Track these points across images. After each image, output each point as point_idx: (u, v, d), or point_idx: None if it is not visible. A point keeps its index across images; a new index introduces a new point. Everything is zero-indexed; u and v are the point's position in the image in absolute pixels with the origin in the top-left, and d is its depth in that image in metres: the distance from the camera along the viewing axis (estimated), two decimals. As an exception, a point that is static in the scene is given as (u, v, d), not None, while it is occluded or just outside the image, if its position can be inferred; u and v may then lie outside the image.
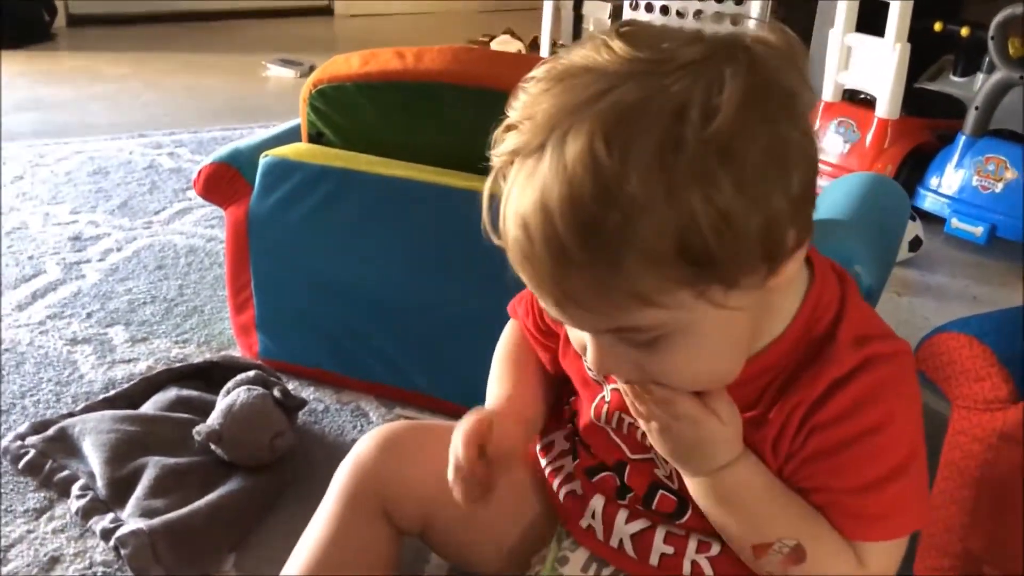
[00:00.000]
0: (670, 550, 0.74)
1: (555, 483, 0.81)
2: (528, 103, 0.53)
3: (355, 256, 1.15)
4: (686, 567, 0.74)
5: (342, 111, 1.19)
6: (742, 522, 0.65)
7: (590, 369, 0.73)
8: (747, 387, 0.64)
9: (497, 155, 0.55)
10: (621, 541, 0.75)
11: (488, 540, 0.82)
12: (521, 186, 0.52)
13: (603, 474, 0.76)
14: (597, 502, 0.77)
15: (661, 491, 0.73)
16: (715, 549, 0.73)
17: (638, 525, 0.75)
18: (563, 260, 0.51)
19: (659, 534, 0.74)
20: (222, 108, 2.68)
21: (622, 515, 0.75)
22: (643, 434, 0.69)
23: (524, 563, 0.82)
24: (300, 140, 1.24)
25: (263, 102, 2.79)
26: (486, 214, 0.56)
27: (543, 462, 0.83)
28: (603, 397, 0.73)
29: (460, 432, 0.70)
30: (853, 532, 0.63)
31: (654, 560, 0.74)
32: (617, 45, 0.52)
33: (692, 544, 0.73)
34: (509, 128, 0.54)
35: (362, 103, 1.17)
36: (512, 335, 0.84)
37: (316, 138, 1.22)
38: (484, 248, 0.79)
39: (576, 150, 0.49)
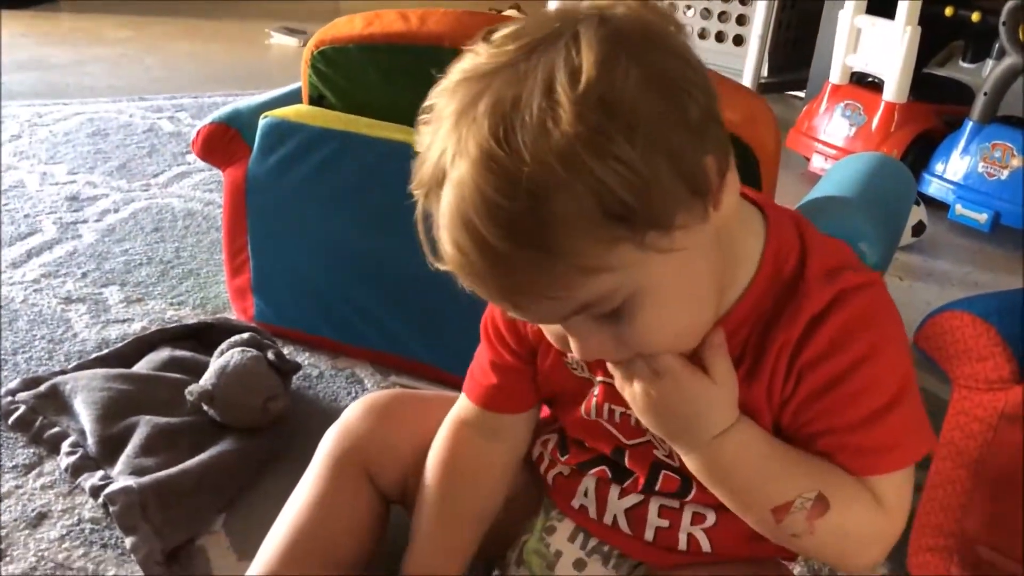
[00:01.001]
0: (665, 523, 0.73)
1: (542, 468, 0.81)
2: (425, 133, 0.55)
3: (353, 221, 1.14)
4: (682, 541, 0.73)
5: (344, 73, 1.17)
6: (755, 490, 0.62)
7: (574, 366, 0.72)
8: (730, 342, 0.63)
9: (415, 190, 0.56)
10: (615, 517, 0.75)
11: None
12: (443, 212, 0.53)
13: (597, 468, 0.76)
14: (589, 481, 0.76)
15: (663, 471, 0.72)
16: (710, 520, 0.72)
17: (631, 500, 0.74)
18: (501, 262, 0.51)
19: (653, 508, 0.74)
20: (223, 74, 2.65)
21: (615, 490, 0.75)
22: (637, 420, 0.69)
23: (508, 533, 0.82)
24: (301, 102, 1.23)
25: (265, 69, 2.76)
26: (424, 243, 0.56)
27: (535, 448, 0.83)
28: (592, 392, 0.72)
29: None
30: (863, 468, 0.62)
31: (649, 535, 0.74)
32: (482, 49, 0.54)
33: (687, 517, 0.73)
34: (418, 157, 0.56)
35: (364, 65, 1.15)
36: (450, 454, 0.79)
37: (317, 100, 1.21)
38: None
39: (472, 160, 0.50)
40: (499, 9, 3.57)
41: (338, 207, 1.14)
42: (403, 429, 0.82)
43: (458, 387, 0.80)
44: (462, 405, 0.80)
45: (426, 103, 0.56)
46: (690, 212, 0.53)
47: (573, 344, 0.58)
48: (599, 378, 0.71)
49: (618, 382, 0.63)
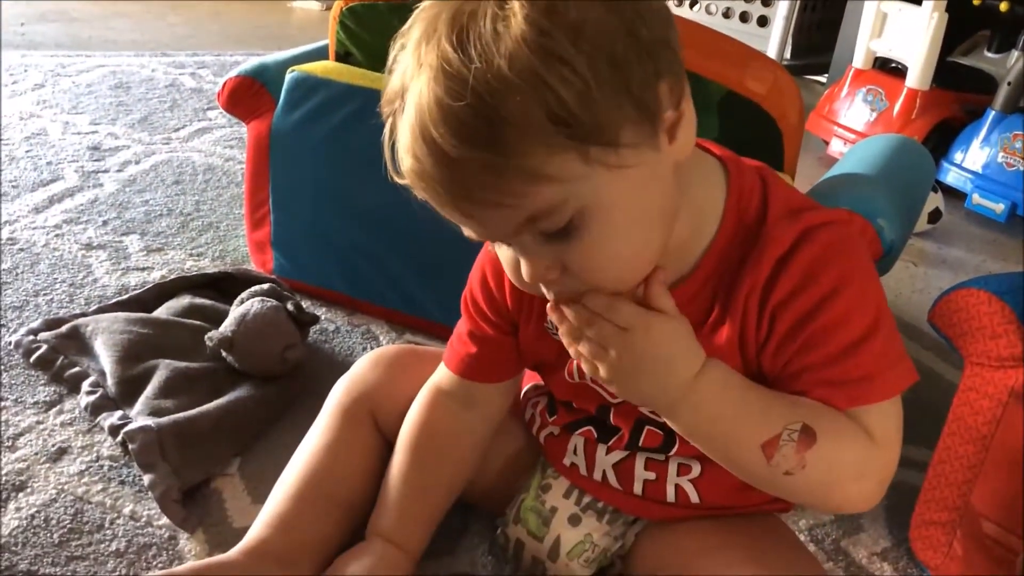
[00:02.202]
0: (652, 476, 0.75)
1: (534, 429, 0.82)
2: (393, 58, 0.58)
3: (375, 178, 1.12)
4: (670, 492, 0.75)
5: (372, 31, 1.18)
6: (742, 428, 0.62)
7: (554, 331, 0.72)
8: (700, 296, 0.65)
9: (382, 109, 0.58)
10: (604, 473, 0.77)
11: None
12: (403, 122, 0.55)
13: (583, 428, 0.78)
14: (578, 439, 0.78)
15: (647, 427, 0.74)
16: (696, 470, 0.74)
17: (618, 455, 0.76)
18: (451, 164, 0.52)
19: (639, 461, 0.76)
20: (246, 34, 2.65)
21: (601, 448, 0.77)
22: None
23: (508, 488, 0.84)
24: (327, 59, 1.23)
25: (287, 32, 2.76)
26: (390, 164, 0.58)
27: (527, 410, 0.84)
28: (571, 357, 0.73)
29: None
30: (846, 401, 0.62)
31: (638, 488, 0.76)
32: None
33: (672, 468, 0.75)
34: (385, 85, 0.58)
35: (394, 23, 1.14)
36: (425, 419, 0.81)
37: (344, 58, 1.21)
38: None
39: (430, 68, 0.52)
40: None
41: (360, 164, 1.14)
42: (409, 380, 0.84)
43: None
44: (441, 373, 0.82)
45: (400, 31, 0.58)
46: (638, 132, 0.54)
47: (522, 265, 0.59)
48: None
49: (587, 367, 0.62)
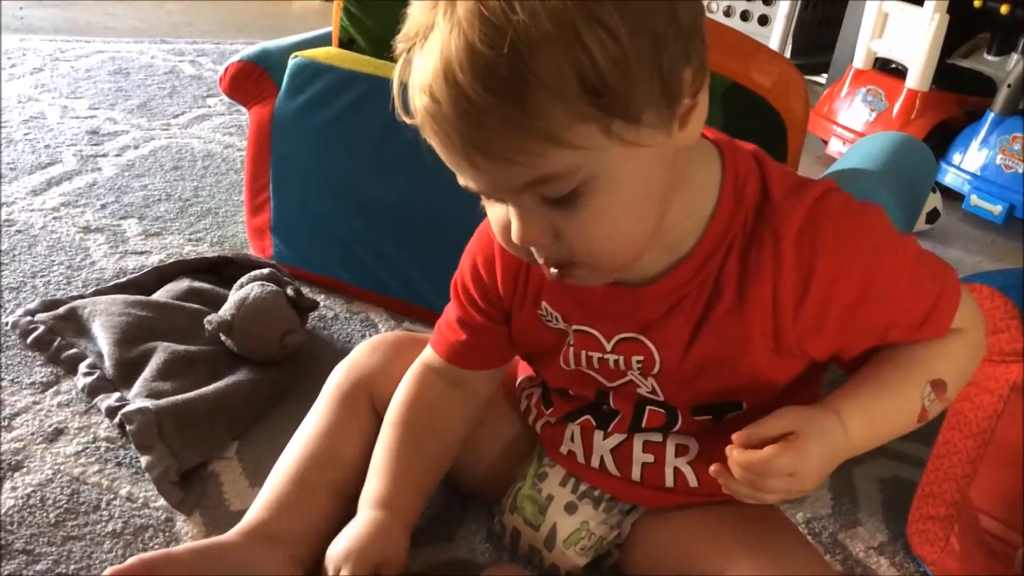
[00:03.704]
0: (650, 458, 0.75)
1: (530, 420, 0.82)
2: None
3: (377, 166, 1.14)
4: (668, 477, 0.75)
5: (376, 17, 1.17)
6: (895, 429, 0.67)
7: (549, 319, 0.73)
8: (699, 275, 0.65)
9: (399, 43, 0.56)
10: (602, 459, 0.77)
11: (469, 448, 0.84)
12: (424, 59, 0.53)
13: (581, 418, 0.77)
14: (575, 427, 0.78)
15: (649, 407, 0.74)
16: (694, 450, 0.74)
17: (616, 439, 0.76)
18: (471, 111, 0.51)
19: (637, 444, 0.75)
20: (246, 23, 2.64)
21: (599, 433, 0.77)
22: (615, 362, 0.71)
23: (505, 477, 0.84)
24: (331, 45, 1.23)
25: (287, 22, 2.75)
26: (398, 100, 0.57)
27: (521, 400, 0.84)
28: (568, 342, 0.73)
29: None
30: (935, 330, 0.67)
31: (636, 473, 0.76)
32: None
33: (670, 449, 0.75)
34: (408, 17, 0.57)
35: (397, 10, 1.14)
36: (414, 394, 0.81)
37: (347, 44, 1.21)
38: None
39: (465, 9, 0.51)
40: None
41: (362, 151, 1.14)
42: (407, 366, 0.84)
43: None
44: (429, 354, 0.82)
45: None
46: (658, 114, 0.55)
47: (513, 223, 0.58)
48: (574, 327, 0.72)
49: (774, 499, 0.64)
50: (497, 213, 0.61)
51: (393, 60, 1.19)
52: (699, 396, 0.72)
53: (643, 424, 0.74)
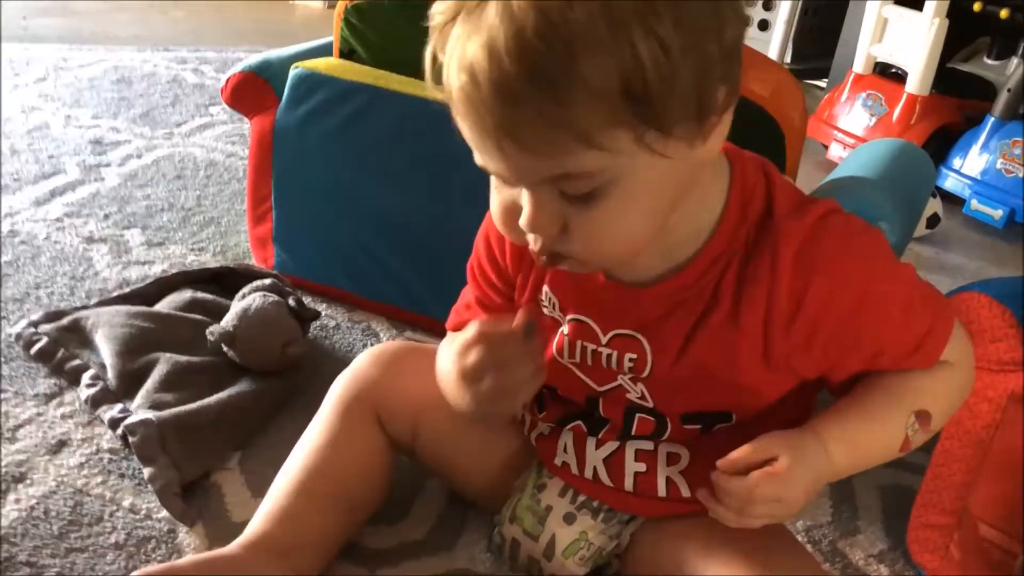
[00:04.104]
0: (642, 467, 0.75)
1: (525, 429, 0.83)
2: None
3: (379, 175, 1.15)
4: (661, 486, 0.75)
5: (376, 28, 1.18)
6: (877, 457, 0.69)
7: (546, 303, 0.73)
8: (699, 284, 0.66)
9: (439, 13, 0.56)
10: (595, 469, 0.77)
11: (471, 459, 0.85)
12: (467, 35, 0.53)
13: (573, 423, 0.78)
14: (567, 436, 0.78)
15: (638, 415, 0.74)
16: (684, 459, 0.74)
17: (608, 448, 0.76)
18: (510, 99, 0.51)
19: (629, 452, 0.76)
20: (248, 31, 2.66)
21: (591, 442, 0.77)
22: (608, 358, 0.71)
23: (506, 487, 0.84)
24: (332, 56, 1.23)
25: (289, 29, 2.77)
26: (429, 72, 0.57)
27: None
28: (562, 331, 0.73)
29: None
30: (926, 360, 0.68)
31: (629, 484, 0.76)
32: None
33: (662, 457, 0.75)
34: None
35: (398, 20, 1.16)
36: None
37: (348, 55, 1.21)
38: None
39: None
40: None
41: (364, 161, 1.15)
42: (411, 378, 0.83)
43: None
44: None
45: None
46: (687, 129, 0.55)
47: (525, 210, 0.58)
48: (570, 316, 0.72)
49: (759, 523, 0.66)
50: (505, 196, 0.61)
51: (394, 70, 1.20)
52: (688, 404, 0.72)
53: (633, 431, 0.75)
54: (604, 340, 0.71)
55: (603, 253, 0.60)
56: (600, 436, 0.76)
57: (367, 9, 1.17)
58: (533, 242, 0.61)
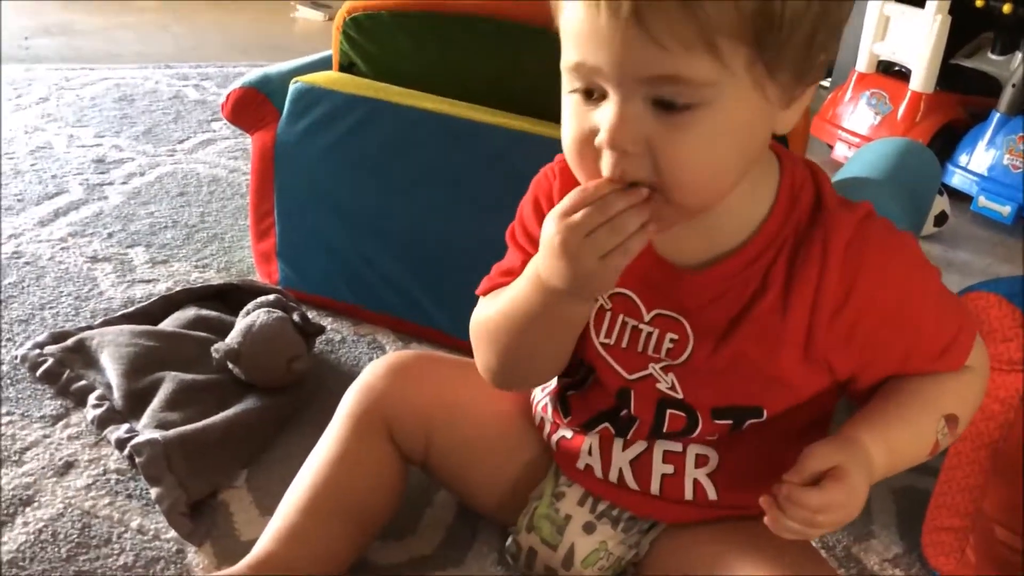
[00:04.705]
0: (670, 469, 0.75)
1: (545, 433, 0.81)
2: None
3: (381, 188, 1.15)
4: (688, 489, 0.74)
5: (375, 41, 1.18)
6: (909, 461, 0.70)
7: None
8: (749, 269, 0.67)
9: None
10: (621, 472, 0.76)
11: (485, 470, 0.84)
12: None
13: (600, 427, 0.77)
14: (593, 438, 0.77)
15: (670, 410, 0.73)
16: (713, 461, 0.74)
17: (636, 449, 0.76)
18: None
19: (657, 454, 0.75)
20: (249, 46, 2.66)
21: (618, 443, 0.76)
22: (648, 336, 0.71)
23: (521, 498, 0.83)
24: (331, 69, 1.23)
25: (290, 42, 2.77)
26: None
27: (536, 413, 0.84)
28: (603, 306, 0.72)
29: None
30: (954, 364, 0.70)
31: (655, 487, 0.75)
32: None
33: (691, 459, 0.74)
34: None
35: (396, 33, 1.16)
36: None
37: (347, 68, 1.21)
38: (512, 186, 0.79)
39: None
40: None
41: (366, 174, 1.14)
42: (424, 389, 0.83)
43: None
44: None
45: None
46: (784, 84, 0.58)
47: (611, 123, 0.57)
48: (614, 289, 0.71)
49: (823, 532, 0.66)
50: (582, 120, 0.60)
51: (393, 83, 1.19)
52: (720, 396, 0.71)
53: (664, 428, 0.73)
54: (647, 317, 0.71)
55: (681, 182, 0.59)
56: (628, 437, 0.75)
57: (366, 22, 1.17)
58: (609, 166, 0.59)
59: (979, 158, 1.91)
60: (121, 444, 0.93)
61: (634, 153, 0.58)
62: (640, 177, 0.59)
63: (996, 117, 1.89)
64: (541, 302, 0.67)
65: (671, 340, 0.70)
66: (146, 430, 0.94)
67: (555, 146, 0.76)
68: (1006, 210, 1.84)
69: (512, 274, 0.75)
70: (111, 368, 1.02)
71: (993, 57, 2.12)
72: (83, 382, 1.02)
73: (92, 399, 1.00)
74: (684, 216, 0.62)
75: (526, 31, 1.09)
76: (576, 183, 0.71)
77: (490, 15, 1.10)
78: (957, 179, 1.93)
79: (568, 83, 0.61)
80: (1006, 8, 1.97)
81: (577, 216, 0.60)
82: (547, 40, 1.06)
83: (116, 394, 0.99)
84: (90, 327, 1.12)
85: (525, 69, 1.11)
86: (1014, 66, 1.98)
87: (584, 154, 0.61)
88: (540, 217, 0.75)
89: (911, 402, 0.68)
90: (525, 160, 0.81)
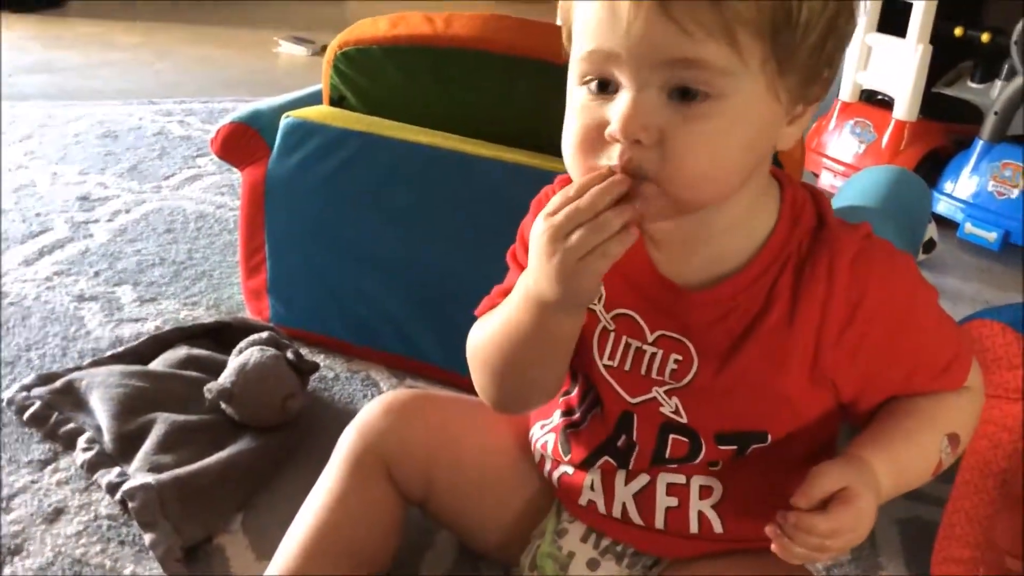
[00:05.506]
0: (674, 502, 0.73)
1: (546, 470, 0.80)
2: None
3: (375, 222, 1.14)
4: (692, 522, 0.73)
5: (366, 74, 1.17)
6: (915, 480, 0.69)
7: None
8: (753, 287, 0.66)
9: None
10: (624, 507, 0.75)
11: (487, 509, 0.82)
12: None
13: (601, 460, 0.75)
14: (595, 473, 0.76)
15: (672, 436, 0.72)
16: (717, 493, 0.72)
17: (639, 483, 0.74)
18: None
19: (660, 486, 0.73)
20: (233, 81, 2.65)
21: (620, 476, 0.74)
22: (652, 358, 0.70)
23: (523, 536, 0.81)
24: (321, 104, 1.23)
25: (274, 77, 2.77)
26: None
27: (535, 451, 0.82)
28: (605, 327, 0.71)
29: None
30: (955, 382, 0.70)
31: (660, 520, 0.74)
32: None
33: (695, 491, 0.73)
34: None
35: (387, 67, 1.15)
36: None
37: (338, 102, 1.21)
38: (505, 219, 0.78)
39: None
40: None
41: (358, 208, 1.13)
42: (423, 429, 0.81)
43: (471, 390, 0.77)
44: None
45: None
46: (794, 84, 0.59)
47: (623, 112, 0.57)
48: (615, 311, 0.70)
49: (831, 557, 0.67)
50: (591, 113, 0.60)
51: (384, 116, 1.19)
52: (725, 419, 0.70)
53: (667, 454, 0.72)
54: (650, 338, 0.70)
55: (684, 174, 0.58)
56: (631, 467, 0.74)
57: (357, 56, 1.16)
58: (618, 155, 0.58)
59: (964, 185, 1.92)
60: (112, 488, 0.91)
61: (645, 143, 0.57)
62: (647, 169, 0.58)
63: (979, 144, 1.91)
64: (529, 315, 0.66)
65: (675, 361, 0.69)
66: (138, 474, 0.91)
67: (550, 178, 0.76)
68: (992, 236, 1.85)
69: (508, 293, 0.73)
70: (101, 410, 1.00)
71: (973, 85, 2.15)
72: (72, 425, 1.00)
73: (82, 442, 0.97)
74: (676, 211, 0.61)
75: (518, 63, 1.09)
76: None
77: (482, 48, 1.10)
78: (943, 206, 1.94)
79: (578, 76, 0.60)
80: (984, 37, 2.00)
81: (559, 215, 0.59)
82: (539, 72, 1.08)
83: (106, 437, 0.97)
84: (78, 368, 1.10)
85: (517, 102, 1.11)
86: (994, 94, 2.00)
87: (588, 149, 0.60)
88: None
89: (913, 421, 0.68)
90: (519, 193, 0.80)
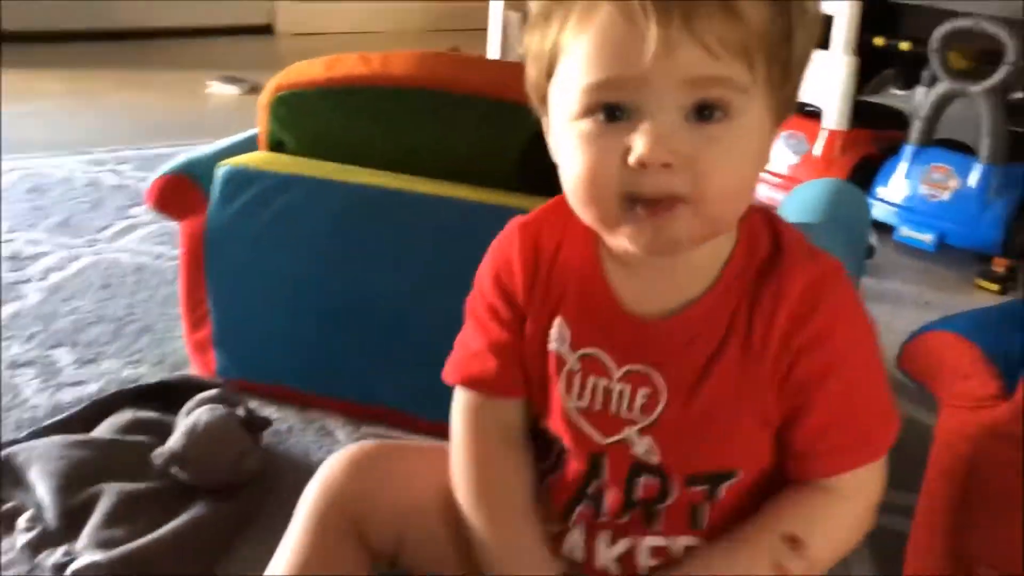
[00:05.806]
0: (656, 563, 0.72)
1: None
2: None
3: (324, 268, 1.11)
4: None
5: (304, 118, 1.15)
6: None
7: (554, 338, 0.71)
8: (717, 312, 0.67)
9: None
10: (607, 571, 0.73)
11: (466, 563, 0.79)
12: None
13: (578, 508, 0.74)
14: (576, 537, 0.74)
15: (642, 477, 0.70)
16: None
17: (621, 547, 0.72)
18: None
19: (643, 552, 0.72)
20: (164, 125, 2.59)
21: (604, 538, 0.73)
22: (620, 394, 0.69)
23: None
24: (257, 149, 1.20)
25: (206, 119, 2.71)
26: None
27: None
28: (571, 369, 0.70)
29: None
30: (868, 456, 0.69)
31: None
32: None
33: (678, 552, 0.71)
34: None
35: (325, 109, 1.14)
36: (479, 462, 0.76)
37: (276, 147, 1.18)
38: (455, 257, 0.77)
39: None
40: (456, 48, 3.58)
41: (307, 254, 1.11)
42: (387, 480, 0.78)
43: (429, 432, 0.76)
44: (464, 399, 0.77)
45: None
46: (777, 106, 0.61)
47: (646, 141, 0.57)
48: (581, 351, 0.70)
49: None
50: (603, 144, 0.59)
51: (325, 159, 1.17)
52: (696, 456, 0.69)
53: (636, 495, 0.71)
54: (617, 375, 0.69)
55: (721, 192, 0.59)
56: (603, 511, 0.72)
57: (293, 100, 1.15)
58: (650, 183, 0.58)
59: (896, 189, 1.97)
60: (59, 570, 0.86)
61: (676, 166, 0.58)
62: (682, 192, 0.58)
63: (909, 149, 1.96)
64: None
65: (643, 396, 0.68)
66: (86, 552, 0.87)
67: (500, 213, 0.75)
68: (928, 238, 1.89)
69: (479, 357, 0.73)
70: (42, 485, 0.95)
71: (896, 92, 2.21)
72: (10, 504, 0.95)
73: (22, 522, 0.93)
74: (712, 231, 0.63)
75: (456, 99, 1.09)
76: (533, 245, 0.71)
77: (419, 86, 1.09)
78: (878, 210, 1.98)
79: (579, 108, 0.60)
80: (904, 45, 2.07)
81: None
82: (480, 107, 1.07)
83: (50, 514, 0.92)
84: (15, 441, 1.04)
85: (458, 138, 1.10)
86: (917, 99, 2.06)
87: (604, 181, 0.59)
88: (500, 288, 0.73)
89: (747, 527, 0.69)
90: (468, 229, 0.79)
